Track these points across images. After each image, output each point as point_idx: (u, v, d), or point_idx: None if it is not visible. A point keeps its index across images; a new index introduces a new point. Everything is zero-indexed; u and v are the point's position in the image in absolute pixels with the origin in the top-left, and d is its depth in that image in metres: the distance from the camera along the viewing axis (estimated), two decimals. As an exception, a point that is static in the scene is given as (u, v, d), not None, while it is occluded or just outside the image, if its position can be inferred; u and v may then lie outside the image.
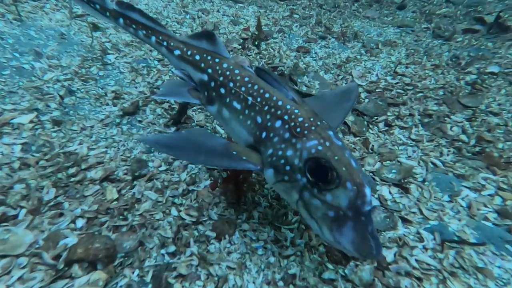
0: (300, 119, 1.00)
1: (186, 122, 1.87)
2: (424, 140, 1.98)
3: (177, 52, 1.41)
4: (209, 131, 1.88)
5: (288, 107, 1.04)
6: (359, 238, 0.84)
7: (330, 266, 1.18)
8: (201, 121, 1.93)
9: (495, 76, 2.66)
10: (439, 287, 1.11)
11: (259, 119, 1.09)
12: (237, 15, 3.44)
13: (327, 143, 0.93)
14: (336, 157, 0.90)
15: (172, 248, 1.18)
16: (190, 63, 1.38)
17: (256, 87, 1.14)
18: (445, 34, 3.60)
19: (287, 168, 0.96)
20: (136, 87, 2.10)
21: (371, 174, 1.72)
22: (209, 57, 1.33)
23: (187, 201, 1.41)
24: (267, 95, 1.10)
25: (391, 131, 2.08)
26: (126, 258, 1.12)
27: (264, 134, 1.06)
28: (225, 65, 1.27)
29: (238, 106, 1.17)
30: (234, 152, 1.07)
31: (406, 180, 1.67)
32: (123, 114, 1.83)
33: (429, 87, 2.54)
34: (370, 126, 2.13)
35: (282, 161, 0.98)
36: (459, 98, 2.41)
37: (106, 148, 1.59)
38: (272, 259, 1.20)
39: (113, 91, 2.01)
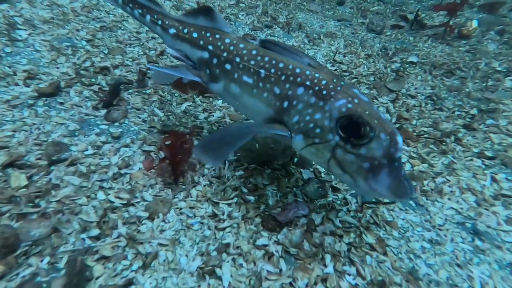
0: (324, 82, 1.02)
1: (119, 104, 1.74)
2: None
3: (172, 31, 1.34)
4: (147, 114, 1.78)
5: (308, 72, 1.05)
6: (395, 182, 0.90)
7: (264, 234, 1.22)
8: (137, 103, 1.83)
9: (414, 65, 3.03)
10: (356, 240, 1.23)
11: (277, 90, 1.08)
12: (180, 1, 3.31)
13: (356, 100, 0.97)
14: (366, 112, 0.94)
15: (95, 232, 1.10)
16: (187, 41, 1.32)
17: (267, 58, 1.12)
18: (377, 28, 3.97)
19: (317, 130, 0.99)
20: (57, 68, 1.88)
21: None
22: (208, 34, 1.27)
23: (118, 184, 1.32)
24: (281, 65, 1.09)
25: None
26: (33, 247, 1.01)
27: (286, 103, 1.06)
28: (227, 40, 1.22)
29: (250, 80, 1.14)
30: (263, 125, 1.09)
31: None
32: (38, 96, 1.63)
33: (362, 74, 2.79)
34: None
35: (311, 125, 1.00)
36: (386, 83, 2.69)
37: (13, 132, 1.40)
38: (207, 232, 1.20)
39: (25, 71, 1.77)
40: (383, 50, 3.36)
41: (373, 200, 1.49)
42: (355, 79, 2.70)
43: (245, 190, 1.37)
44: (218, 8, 3.24)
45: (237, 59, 1.17)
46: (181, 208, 1.27)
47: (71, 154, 1.37)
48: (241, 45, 1.19)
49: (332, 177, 1.65)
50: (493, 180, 1.61)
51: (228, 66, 1.20)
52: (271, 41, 1.15)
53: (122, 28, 2.60)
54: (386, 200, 1.49)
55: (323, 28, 3.82)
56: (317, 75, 1.04)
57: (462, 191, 1.54)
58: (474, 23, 3.51)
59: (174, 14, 1.44)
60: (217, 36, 1.25)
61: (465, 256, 1.20)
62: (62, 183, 1.25)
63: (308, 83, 1.03)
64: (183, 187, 1.36)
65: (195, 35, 1.29)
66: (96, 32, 2.41)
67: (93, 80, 1.89)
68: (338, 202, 1.47)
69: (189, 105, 1.90)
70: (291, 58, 1.11)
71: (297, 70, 1.06)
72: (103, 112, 1.68)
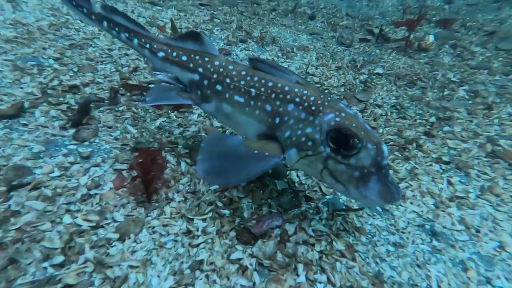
0: (312, 98, 1.09)
1: (89, 123, 1.71)
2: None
3: (161, 54, 1.40)
4: (119, 131, 1.75)
5: (297, 90, 1.12)
6: (384, 188, 0.97)
7: (239, 247, 1.24)
8: (109, 121, 1.80)
9: (380, 76, 3.24)
10: (327, 247, 1.29)
11: (268, 107, 1.14)
12: (154, 17, 3.34)
13: (343, 114, 1.04)
14: (354, 124, 1.01)
15: (59, 259, 1.06)
16: (176, 64, 1.37)
17: (256, 78, 1.19)
18: (346, 42, 4.22)
19: (309, 143, 1.05)
20: (21, 88, 1.82)
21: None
22: (197, 57, 1.33)
23: (86, 206, 1.29)
24: (270, 84, 1.16)
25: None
26: (-15, 283, 0.96)
27: (277, 120, 1.12)
28: (216, 63, 1.28)
29: (241, 99, 1.20)
30: (255, 151, 1.10)
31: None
32: (-2, 117, 1.57)
33: (333, 85, 2.94)
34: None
35: (303, 138, 1.06)
36: (355, 94, 2.85)
37: (-36, 156, 1.34)
38: (181, 250, 1.19)
39: (-18, 91, 1.70)
40: (352, 62, 3.57)
41: (343, 207, 1.57)
42: (326, 90, 2.84)
43: (220, 204, 1.39)
44: (193, 24, 3.30)
45: (228, 80, 1.24)
46: (154, 227, 1.26)
47: (34, 177, 1.33)
48: (231, 67, 1.27)
49: (306, 186, 1.71)
50: (449, 183, 1.75)
51: (219, 87, 1.26)
52: (260, 60, 1.22)
53: (93, 45, 2.57)
54: (355, 207, 1.57)
55: (296, 41, 3.99)
56: (305, 92, 1.12)
57: (423, 195, 1.66)
58: (431, 38, 3.84)
59: (162, 37, 1.50)
60: (206, 59, 1.31)
61: (424, 256, 1.29)
62: (23, 209, 1.20)
63: (297, 99, 1.11)
64: (157, 204, 1.35)
65: (184, 58, 1.35)
66: (65, 50, 2.36)
67: (61, 99, 1.84)
68: (311, 211, 1.52)
69: (163, 121, 1.90)
70: (280, 76, 1.18)
71: (286, 88, 1.14)
72: (71, 131, 1.65)
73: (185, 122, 1.91)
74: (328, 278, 1.16)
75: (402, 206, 1.59)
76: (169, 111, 1.96)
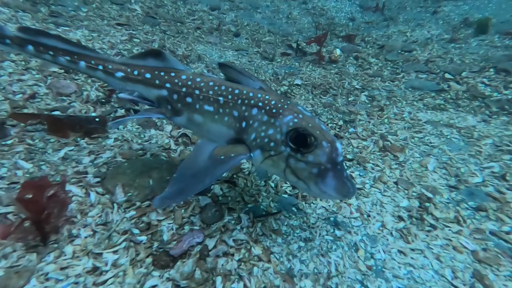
0: (273, 102, 1.19)
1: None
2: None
3: (119, 74, 1.41)
4: (6, 169, 1.57)
5: (260, 95, 1.21)
6: (340, 183, 1.06)
7: (156, 273, 1.24)
8: None
9: (299, 87, 3.61)
10: (246, 255, 1.39)
11: (235, 113, 1.23)
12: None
13: (300, 115, 1.14)
14: (310, 124, 1.11)
15: None
16: (140, 82, 1.40)
17: (223, 87, 1.27)
18: (269, 56, 4.57)
19: (272, 144, 1.14)
20: None
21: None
22: (162, 73, 1.37)
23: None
24: (237, 91, 1.24)
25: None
26: None
27: (244, 124, 1.21)
28: (183, 77, 1.35)
29: (211, 108, 1.28)
30: (222, 157, 1.18)
31: (235, 176, 2.00)
32: None
33: (257, 99, 3.15)
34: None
35: (266, 140, 1.15)
36: (277, 105, 3.12)
37: None
38: (84, 292, 1.13)
39: None
40: (274, 75, 3.89)
41: (263, 213, 1.70)
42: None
43: (136, 231, 1.37)
44: (108, 45, 3.15)
45: (197, 92, 1.31)
46: (47, 273, 1.14)
47: None
48: (198, 79, 1.34)
49: (229, 198, 1.80)
50: (351, 177, 2.07)
51: (189, 99, 1.33)
52: (229, 65, 1.31)
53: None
54: (274, 211, 1.72)
55: (222, 58, 4.16)
56: (267, 96, 1.22)
57: (330, 190, 1.92)
58: (337, 51, 4.46)
59: (116, 58, 1.48)
60: (173, 74, 1.37)
61: (327, 246, 1.50)
62: None
63: (260, 104, 1.20)
64: (56, 246, 1.24)
65: (148, 75, 1.39)
66: None
67: None
68: (233, 222, 1.61)
69: (70, 150, 1.77)
70: (245, 81, 1.28)
71: (251, 94, 1.23)
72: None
73: (97, 148, 1.81)
74: (244, 284, 1.25)
75: (313, 203, 1.81)
76: (78, 139, 1.84)
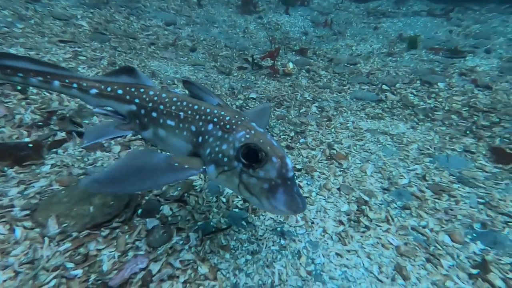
0: (228, 118, 1.23)
1: None
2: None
3: (93, 91, 1.48)
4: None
5: (216, 111, 1.26)
6: (289, 199, 1.07)
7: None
8: None
9: (254, 100, 3.74)
10: (192, 275, 1.39)
11: (193, 128, 1.28)
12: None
13: (252, 131, 1.18)
14: (261, 140, 1.14)
15: None
16: (112, 98, 1.46)
17: (184, 103, 1.32)
18: (226, 70, 4.68)
19: (225, 159, 1.16)
20: None
21: (157, 197, 1.92)
22: (133, 89, 1.44)
23: None
24: (196, 107, 1.29)
25: (180, 155, 2.43)
26: None
27: (200, 138, 1.26)
28: (151, 92, 1.41)
29: (172, 123, 1.33)
30: (176, 164, 1.19)
31: (186, 194, 2.00)
32: None
33: (213, 113, 3.19)
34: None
35: (220, 155, 1.18)
36: (232, 119, 3.19)
37: None
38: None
39: None
40: (230, 89, 3.98)
41: (213, 230, 1.73)
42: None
43: (70, 265, 1.30)
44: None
45: (161, 107, 1.36)
46: None
47: None
48: (163, 95, 1.39)
49: (179, 218, 1.80)
50: (299, 187, 2.19)
51: (154, 114, 1.38)
52: (192, 82, 1.37)
53: None
54: (223, 227, 1.75)
55: (178, 73, 4.16)
56: (222, 112, 1.26)
57: (279, 201, 2.02)
58: (290, 65, 4.73)
59: (89, 75, 1.52)
60: (142, 90, 1.43)
61: (273, 256, 1.57)
62: None
63: (215, 119, 1.24)
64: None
65: (120, 91, 1.46)
66: None
67: None
68: (181, 242, 1.61)
69: (-6, 182, 1.63)
70: (206, 98, 1.33)
71: (208, 110, 1.28)
72: None
73: (29, 177, 1.69)
74: (187, 305, 1.26)
75: (262, 215, 1.88)
76: (5, 168, 1.70)
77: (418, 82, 4.22)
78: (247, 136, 1.17)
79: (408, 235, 1.73)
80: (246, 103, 3.63)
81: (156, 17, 6.03)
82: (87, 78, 1.51)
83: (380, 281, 1.45)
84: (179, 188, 2.04)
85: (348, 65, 5.15)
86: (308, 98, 3.98)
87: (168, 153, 1.38)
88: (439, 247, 1.66)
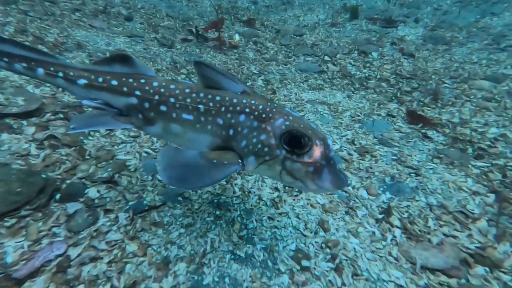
0: (261, 107, 1.15)
1: None
2: (141, 134, 2.29)
3: (82, 82, 1.31)
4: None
5: (245, 101, 1.17)
6: (334, 177, 1.09)
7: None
8: None
9: (198, 74, 3.56)
10: (118, 254, 1.34)
11: (220, 121, 1.18)
12: None
13: (290, 117, 1.14)
14: (301, 125, 1.12)
15: None
16: (105, 89, 1.31)
17: (202, 94, 1.19)
18: (168, 43, 4.33)
19: (266, 149, 1.12)
20: None
21: (83, 180, 1.76)
22: (131, 80, 1.29)
23: None
24: (218, 98, 1.18)
25: (112, 134, 2.23)
26: None
27: (231, 131, 1.17)
28: (155, 83, 1.26)
29: (190, 117, 1.21)
30: (214, 161, 1.12)
31: (118, 174, 1.86)
32: None
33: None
34: (91, 133, 2.16)
35: (259, 145, 1.13)
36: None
37: None
38: None
39: None
40: (172, 64, 3.72)
41: (146, 208, 1.66)
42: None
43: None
44: None
45: (172, 100, 1.22)
46: None
47: None
48: (172, 86, 1.24)
49: (107, 200, 1.68)
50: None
51: (163, 108, 1.24)
52: (206, 64, 1.17)
53: None
54: (158, 204, 1.70)
55: (110, 45, 3.72)
56: (253, 101, 1.17)
57: (217, 174, 2.01)
58: (236, 36, 4.56)
59: (78, 64, 1.29)
60: (143, 81, 1.28)
61: (207, 226, 1.59)
62: None
63: (247, 110, 1.16)
64: None
65: (114, 82, 1.29)
66: None
67: None
68: (108, 223, 1.52)
69: None
70: (227, 84, 1.19)
71: (235, 100, 1.17)
72: None
73: None
74: (111, 285, 1.22)
75: (199, 190, 1.86)
76: None
77: (355, 52, 4.44)
78: (287, 123, 1.14)
79: (334, 194, 1.89)
80: (189, 78, 3.44)
81: (80, -21, 5.19)
82: (74, 66, 1.34)
83: (305, 236, 1.57)
84: (109, 169, 1.90)
85: (295, 37, 5.16)
86: (255, 71, 3.93)
87: (196, 152, 1.20)
88: (357, 201, 1.85)
